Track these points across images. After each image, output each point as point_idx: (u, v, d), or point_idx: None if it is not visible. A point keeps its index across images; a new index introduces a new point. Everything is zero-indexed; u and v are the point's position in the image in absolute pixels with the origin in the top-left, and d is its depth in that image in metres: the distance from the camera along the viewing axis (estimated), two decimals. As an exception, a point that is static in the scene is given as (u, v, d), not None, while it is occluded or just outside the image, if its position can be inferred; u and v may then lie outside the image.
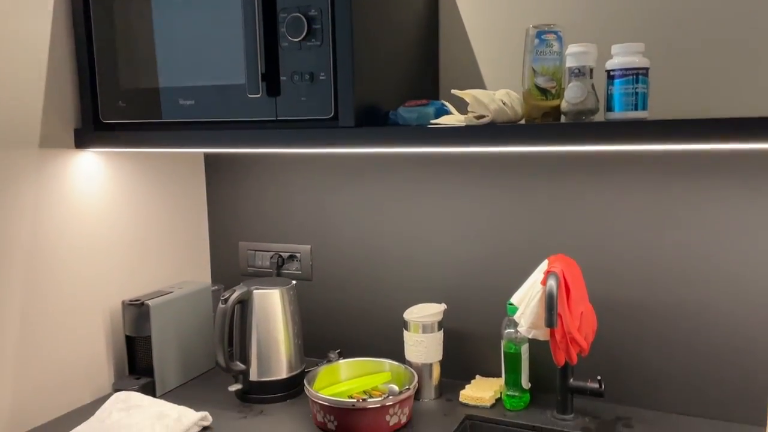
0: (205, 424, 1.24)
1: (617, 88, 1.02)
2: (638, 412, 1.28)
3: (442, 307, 1.37)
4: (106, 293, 1.41)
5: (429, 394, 1.36)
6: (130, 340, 1.41)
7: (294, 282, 1.42)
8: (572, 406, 1.25)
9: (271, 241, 1.63)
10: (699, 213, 1.22)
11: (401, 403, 1.21)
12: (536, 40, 1.06)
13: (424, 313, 1.35)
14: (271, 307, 1.36)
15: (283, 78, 1.12)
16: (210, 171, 1.67)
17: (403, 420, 1.23)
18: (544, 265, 1.20)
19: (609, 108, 1.03)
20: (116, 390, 1.33)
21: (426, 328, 1.34)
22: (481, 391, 1.32)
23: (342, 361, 1.37)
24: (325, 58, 1.09)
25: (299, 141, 1.14)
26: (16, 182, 1.22)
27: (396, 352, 1.41)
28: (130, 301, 1.37)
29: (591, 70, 1.05)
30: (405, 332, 1.36)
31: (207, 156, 1.67)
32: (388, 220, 1.49)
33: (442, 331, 1.36)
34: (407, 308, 1.38)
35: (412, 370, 1.32)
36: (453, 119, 1.07)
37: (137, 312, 1.37)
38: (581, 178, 1.30)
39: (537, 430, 1.23)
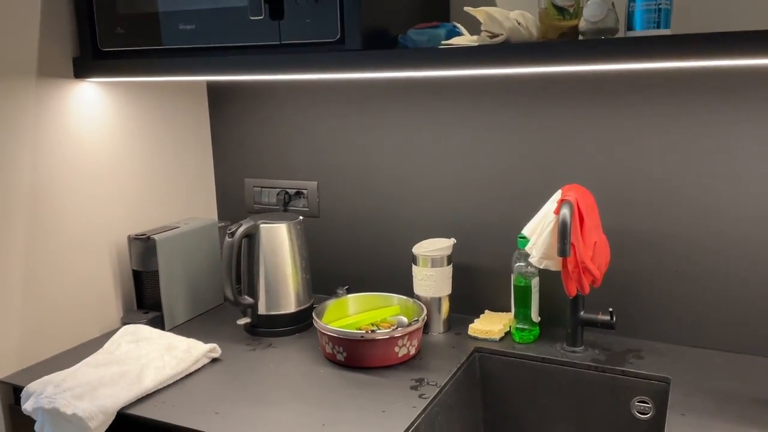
0: (215, 355, 1.24)
1: (639, 4, 0.96)
2: (649, 344, 1.27)
3: (452, 241, 1.35)
4: (112, 228, 1.39)
5: (438, 328, 1.35)
6: (137, 276, 1.40)
7: (301, 217, 1.40)
8: (582, 338, 1.25)
9: (277, 178, 1.60)
10: (724, 141, 1.17)
11: (410, 334, 1.21)
12: (554, -45, 1.00)
13: (433, 247, 1.33)
14: (279, 241, 1.35)
15: (286, -2, 1.07)
16: (214, 105, 1.63)
17: (412, 352, 1.23)
18: (557, 195, 1.17)
19: (629, 26, 0.98)
20: (125, 324, 1.33)
21: (435, 262, 1.32)
22: (490, 325, 1.32)
23: (351, 296, 1.36)
24: (330, -23, 1.04)
25: (304, 66, 1.10)
26: (15, 113, 1.19)
27: (405, 289, 1.40)
28: (136, 235, 1.36)
29: (611, -14, 0.99)
30: (414, 267, 1.35)
31: (210, 88, 1.63)
32: (396, 153, 1.45)
33: (451, 266, 1.35)
34: (416, 244, 1.36)
35: (421, 303, 1.31)
36: (465, 40, 1.02)
37: (143, 246, 1.36)
38: (597, 103, 1.25)
39: (546, 362, 1.23)
